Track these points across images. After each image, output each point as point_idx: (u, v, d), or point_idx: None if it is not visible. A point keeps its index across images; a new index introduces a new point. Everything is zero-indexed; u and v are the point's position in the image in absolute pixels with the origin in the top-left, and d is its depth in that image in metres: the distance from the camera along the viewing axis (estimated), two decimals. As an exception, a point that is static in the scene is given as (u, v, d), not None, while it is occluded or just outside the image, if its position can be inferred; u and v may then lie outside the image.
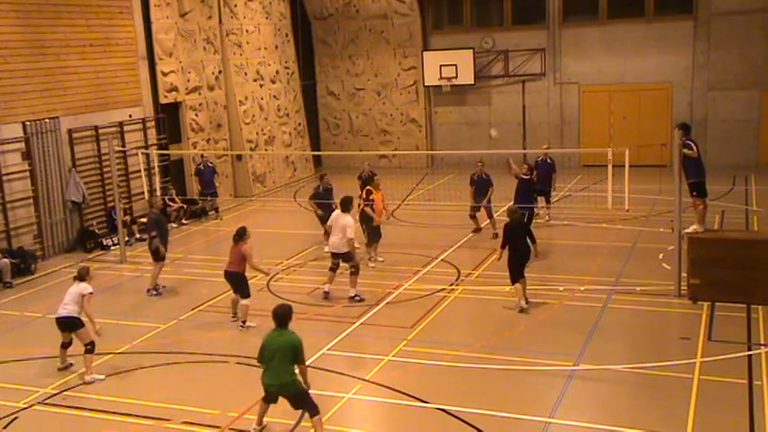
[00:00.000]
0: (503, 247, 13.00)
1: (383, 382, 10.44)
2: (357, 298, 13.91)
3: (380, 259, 16.35)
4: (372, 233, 16.16)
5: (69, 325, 11.03)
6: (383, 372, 10.80)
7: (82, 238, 18.69)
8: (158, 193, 20.13)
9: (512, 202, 15.80)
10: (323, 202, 16.99)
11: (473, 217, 17.93)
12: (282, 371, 8.41)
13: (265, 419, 9.16)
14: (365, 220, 16.05)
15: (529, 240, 13.15)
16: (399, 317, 12.94)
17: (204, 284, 15.14)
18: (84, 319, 11.07)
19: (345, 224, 13.78)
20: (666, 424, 9.00)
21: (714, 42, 24.68)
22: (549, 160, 18.42)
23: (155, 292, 14.85)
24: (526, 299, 12.93)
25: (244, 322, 12.75)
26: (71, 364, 11.35)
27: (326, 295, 14.07)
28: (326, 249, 15.56)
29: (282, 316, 8.51)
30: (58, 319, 11.09)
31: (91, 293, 11.11)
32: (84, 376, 10.98)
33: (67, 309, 11.00)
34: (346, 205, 14.09)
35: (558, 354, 11.14)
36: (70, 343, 11.24)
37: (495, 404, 9.63)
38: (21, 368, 11.53)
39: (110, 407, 10.08)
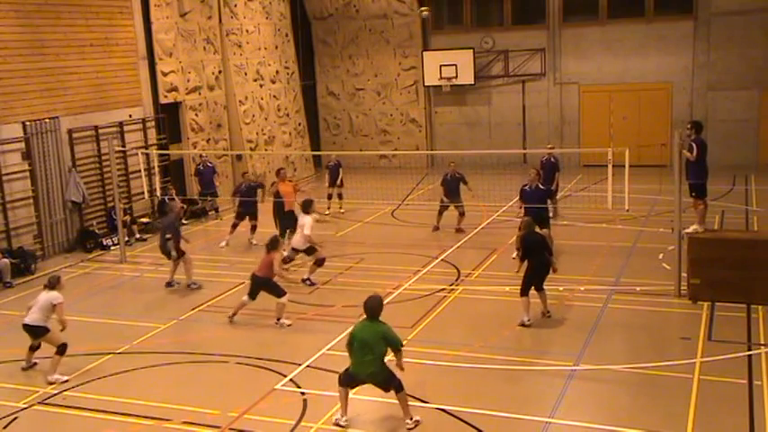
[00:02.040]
0: (522, 260, 12.41)
1: (383, 382, 10.43)
2: (308, 282, 14.72)
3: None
4: (286, 222, 16.77)
5: (34, 332, 11.14)
6: (383, 372, 10.78)
7: (82, 238, 18.69)
8: (158, 192, 20.13)
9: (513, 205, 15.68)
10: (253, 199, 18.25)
11: (440, 214, 18.47)
12: (370, 362, 8.45)
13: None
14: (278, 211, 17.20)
15: (546, 253, 12.50)
16: (399, 317, 12.89)
17: (204, 284, 15.10)
18: (51, 326, 11.09)
19: (303, 223, 14.90)
20: (666, 424, 9.00)
21: (714, 42, 24.69)
22: (552, 159, 18.52)
23: (175, 285, 15.18)
24: (546, 311, 12.54)
25: (278, 319, 12.76)
26: (35, 364, 11.41)
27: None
28: (252, 242, 17.98)
29: (373, 307, 8.57)
30: (23, 325, 11.19)
31: (61, 303, 11.12)
32: (48, 376, 10.97)
33: (33, 317, 11.05)
34: (306, 207, 15.09)
35: (558, 354, 11.15)
36: (39, 346, 11.31)
37: (495, 404, 9.63)
38: (21, 368, 11.51)
39: (110, 407, 10.08)
